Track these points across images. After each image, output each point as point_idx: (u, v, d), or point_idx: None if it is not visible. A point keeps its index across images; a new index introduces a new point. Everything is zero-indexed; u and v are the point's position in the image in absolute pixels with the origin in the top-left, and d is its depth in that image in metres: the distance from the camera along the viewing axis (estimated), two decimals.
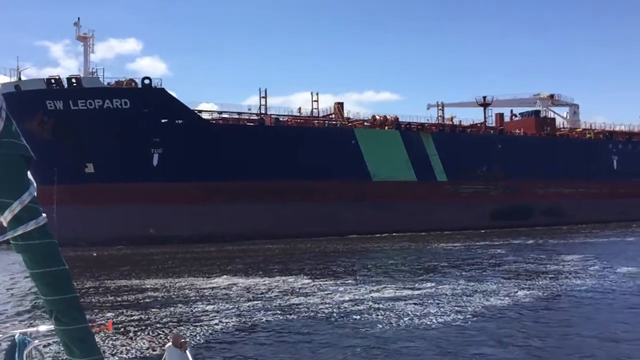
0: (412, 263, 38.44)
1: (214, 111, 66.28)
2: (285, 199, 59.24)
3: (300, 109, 75.50)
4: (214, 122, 63.04)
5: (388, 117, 72.19)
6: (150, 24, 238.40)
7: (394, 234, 62.35)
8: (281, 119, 68.47)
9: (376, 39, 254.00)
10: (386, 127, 69.13)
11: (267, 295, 25.02)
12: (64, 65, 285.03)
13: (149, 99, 56.41)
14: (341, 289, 26.37)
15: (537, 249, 45.39)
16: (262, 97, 68.30)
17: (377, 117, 71.74)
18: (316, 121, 69.76)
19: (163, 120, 56.52)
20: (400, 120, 72.07)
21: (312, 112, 73.68)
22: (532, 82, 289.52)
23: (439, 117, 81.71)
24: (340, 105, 74.82)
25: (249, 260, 40.21)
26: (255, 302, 23.36)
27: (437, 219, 65.92)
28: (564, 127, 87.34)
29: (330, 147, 63.36)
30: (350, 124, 68.95)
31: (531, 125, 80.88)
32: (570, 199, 77.07)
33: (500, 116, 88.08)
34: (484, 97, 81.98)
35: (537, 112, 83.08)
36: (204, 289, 27.24)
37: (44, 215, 3.04)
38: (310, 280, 29.24)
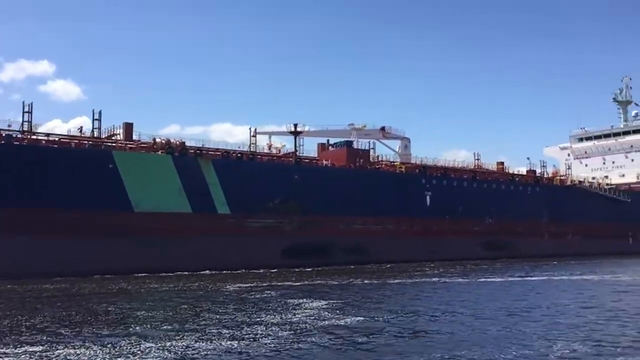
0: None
1: None
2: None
3: (81, 128, 65.37)
4: None
5: (172, 141, 63.85)
6: (65, 47, 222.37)
7: (162, 273, 53.36)
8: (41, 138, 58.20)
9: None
10: (160, 152, 60.50)
11: None
12: None
13: None
14: None
15: (303, 293, 38.07)
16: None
17: (158, 140, 63.06)
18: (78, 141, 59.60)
19: None
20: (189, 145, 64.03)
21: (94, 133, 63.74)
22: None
23: (251, 145, 74.91)
24: (130, 126, 65.51)
25: None
26: None
27: (215, 257, 57.77)
28: (383, 160, 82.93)
29: (79, 171, 53.84)
30: (110, 145, 59.51)
31: (342, 156, 75.55)
32: (376, 236, 71.80)
33: (322, 146, 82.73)
34: (295, 125, 75.89)
35: (350, 143, 78.07)
36: None
37: None
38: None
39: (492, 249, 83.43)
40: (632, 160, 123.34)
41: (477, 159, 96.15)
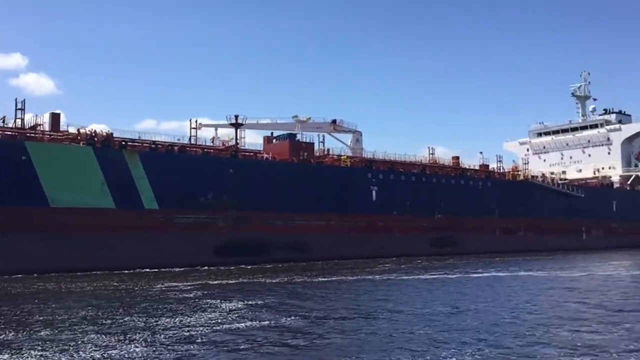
0: None
1: None
2: None
3: (4, 118, 61.39)
4: None
5: (100, 132, 60.43)
6: (38, 40, 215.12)
7: (78, 273, 50.08)
8: None
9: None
10: (81, 143, 57.01)
11: None
12: None
13: None
14: None
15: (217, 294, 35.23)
16: None
17: (83, 130, 59.48)
18: None
19: None
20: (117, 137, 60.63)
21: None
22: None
23: (192, 138, 71.85)
24: (57, 117, 61.80)
25: None
26: None
27: (141, 255, 54.61)
28: (329, 154, 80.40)
29: None
30: (29, 136, 55.76)
31: (285, 149, 72.80)
32: (318, 232, 69.33)
33: (267, 139, 79.80)
34: (236, 117, 72.94)
35: (293, 136, 75.32)
36: None
37: None
38: None
39: (442, 245, 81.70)
40: (589, 155, 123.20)
41: (432, 154, 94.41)
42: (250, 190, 64.66)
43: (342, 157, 77.62)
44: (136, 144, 60.67)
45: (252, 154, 73.70)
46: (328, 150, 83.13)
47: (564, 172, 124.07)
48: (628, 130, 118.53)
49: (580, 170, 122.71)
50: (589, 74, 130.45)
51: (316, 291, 39.04)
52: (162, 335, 22.37)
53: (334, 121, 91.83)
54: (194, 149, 66.30)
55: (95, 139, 58.57)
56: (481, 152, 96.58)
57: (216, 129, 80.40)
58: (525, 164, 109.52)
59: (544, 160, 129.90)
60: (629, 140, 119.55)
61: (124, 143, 58.73)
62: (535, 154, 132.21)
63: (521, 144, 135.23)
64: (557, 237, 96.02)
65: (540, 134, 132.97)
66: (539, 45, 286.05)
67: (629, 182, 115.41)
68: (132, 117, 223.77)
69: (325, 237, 69.10)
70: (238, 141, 72.54)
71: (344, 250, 69.54)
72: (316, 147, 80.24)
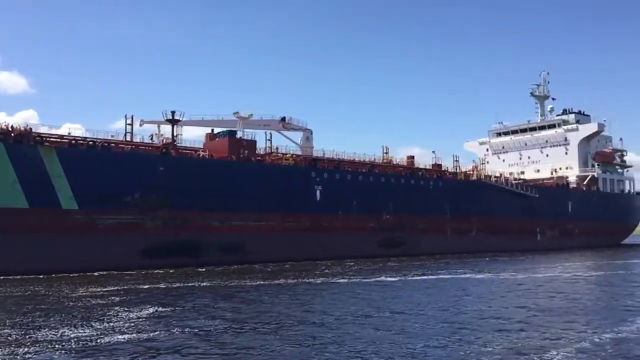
0: None
1: None
2: None
3: None
4: None
5: (16, 127, 56.46)
6: (11, 39, 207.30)
7: None
8: None
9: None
10: None
11: None
12: None
13: None
14: None
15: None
16: None
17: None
18: None
19: None
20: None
21: None
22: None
23: (127, 134, 68.19)
24: None
25: None
26: None
27: (57, 257, 50.83)
28: (274, 152, 77.35)
29: None
30: None
31: (224, 147, 69.55)
32: (258, 233, 66.28)
33: (209, 136, 76.38)
34: (173, 113, 69.39)
35: (233, 133, 72.11)
36: None
37: None
38: None
39: (390, 246, 79.32)
40: (547, 155, 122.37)
41: (386, 152, 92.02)
42: (182, 189, 61.31)
43: (285, 155, 74.55)
44: (54, 139, 56.82)
45: (189, 151, 70.31)
46: (276, 148, 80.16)
47: (522, 173, 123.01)
48: (585, 130, 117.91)
49: (538, 171, 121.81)
50: (548, 73, 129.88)
51: (246, 296, 36.29)
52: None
53: (283, 119, 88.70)
54: (122, 146, 62.62)
55: (13, 134, 54.72)
56: (434, 152, 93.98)
57: (159, 126, 76.85)
58: (482, 164, 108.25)
59: (503, 161, 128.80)
60: (587, 140, 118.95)
61: (38, 138, 54.88)
62: (495, 154, 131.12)
63: (481, 144, 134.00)
64: (511, 237, 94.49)
65: (499, 134, 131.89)
66: (505, 44, 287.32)
67: (584, 183, 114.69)
68: (108, 117, 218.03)
69: (264, 238, 66.09)
70: (175, 138, 69.09)
71: (285, 252, 66.65)
72: (263, 144, 77.44)
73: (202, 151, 69.92)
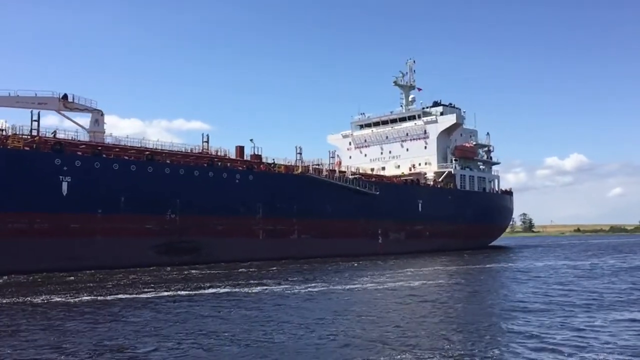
0: None
1: None
2: None
3: None
4: None
5: None
6: None
7: None
8: None
9: None
10: None
11: None
12: None
13: None
14: None
15: None
16: None
17: None
18: None
19: None
20: None
21: None
22: None
23: None
24: None
25: None
26: None
27: None
28: (24, 134, 61.01)
29: None
30: None
31: None
32: None
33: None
34: None
35: None
36: None
37: None
38: None
39: (176, 253, 64.89)
40: (407, 149, 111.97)
41: (206, 141, 77.46)
42: None
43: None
44: None
45: None
46: (55, 132, 64.03)
47: (383, 169, 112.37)
48: (444, 122, 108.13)
49: (398, 166, 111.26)
50: (414, 62, 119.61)
51: None
52: None
53: (65, 96, 72.52)
54: None
55: None
56: (252, 140, 79.89)
57: None
58: (332, 157, 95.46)
59: (365, 155, 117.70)
60: (446, 133, 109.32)
61: None
62: (357, 147, 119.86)
63: (344, 136, 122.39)
64: (345, 240, 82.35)
65: (362, 126, 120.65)
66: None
67: (440, 180, 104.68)
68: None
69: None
70: None
71: (11, 262, 51.08)
72: (31, 126, 61.07)
73: None
